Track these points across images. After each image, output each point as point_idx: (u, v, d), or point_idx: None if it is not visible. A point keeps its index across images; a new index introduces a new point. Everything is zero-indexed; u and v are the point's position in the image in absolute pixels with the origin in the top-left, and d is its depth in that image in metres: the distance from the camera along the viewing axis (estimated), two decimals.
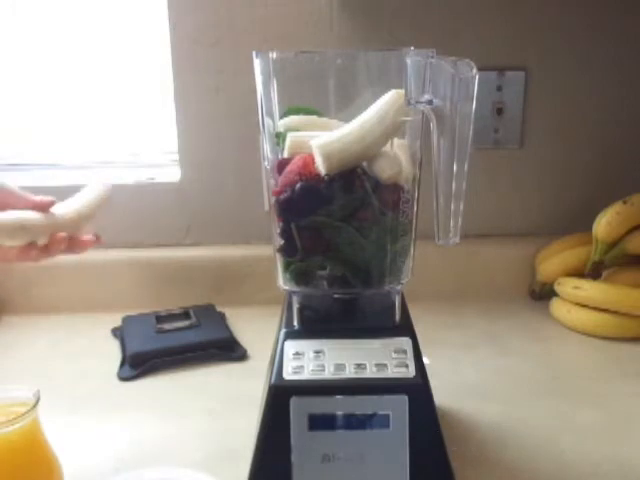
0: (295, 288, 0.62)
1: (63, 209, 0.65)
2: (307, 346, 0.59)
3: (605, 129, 1.03)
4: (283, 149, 0.60)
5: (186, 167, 1.03)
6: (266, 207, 0.63)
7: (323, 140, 0.56)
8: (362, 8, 0.96)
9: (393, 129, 0.57)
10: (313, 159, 0.57)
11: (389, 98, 0.57)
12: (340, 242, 0.58)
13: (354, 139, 0.56)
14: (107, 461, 0.66)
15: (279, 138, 0.61)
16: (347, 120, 0.58)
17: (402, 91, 0.56)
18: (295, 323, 0.61)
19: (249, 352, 0.88)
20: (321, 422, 0.56)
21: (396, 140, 0.59)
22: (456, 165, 0.53)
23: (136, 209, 1.04)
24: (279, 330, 0.62)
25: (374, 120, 0.56)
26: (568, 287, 0.95)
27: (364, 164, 0.58)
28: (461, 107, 0.52)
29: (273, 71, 0.60)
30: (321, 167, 0.57)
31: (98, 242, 0.67)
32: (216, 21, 0.97)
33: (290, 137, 0.60)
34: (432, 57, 0.54)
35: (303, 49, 0.59)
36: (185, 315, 0.95)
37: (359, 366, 0.57)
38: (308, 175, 0.57)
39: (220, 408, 0.75)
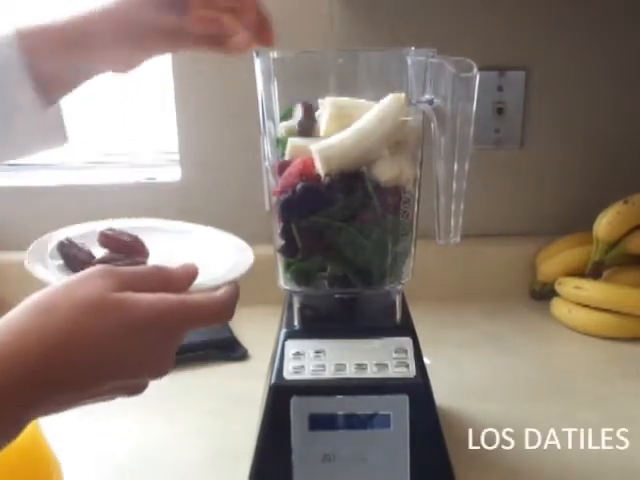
0: (296, 288, 0.62)
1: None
2: (308, 346, 0.59)
3: (605, 129, 1.03)
4: (283, 154, 0.60)
5: (186, 167, 1.03)
6: (267, 207, 0.63)
7: (322, 144, 0.57)
8: (363, 8, 0.96)
9: (392, 133, 0.57)
10: (313, 162, 0.57)
11: (388, 102, 0.56)
12: (341, 242, 0.58)
13: (353, 143, 0.56)
14: (107, 461, 0.66)
15: (279, 143, 0.61)
16: None
17: (401, 95, 0.56)
18: (296, 323, 0.61)
19: (249, 352, 0.88)
20: (322, 422, 0.56)
21: (396, 142, 0.58)
22: (456, 165, 0.53)
23: (136, 209, 1.04)
24: (280, 330, 0.62)
25: (373, 124, 0.56)
26: (569, 287, 0.95)
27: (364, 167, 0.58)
28: (462, 107, 0.52)
29: (274, 71, 0.60)
30: (321, 171, 0.57)
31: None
32: None
33: (291, 142, 0.60)
34: (433, 57, 0.54)
35: (304, 49, 0.59)
36: None
37: (360, 366, 0.57)
38: (309, 175, 0.57)
39: (220, 408, 0.75)
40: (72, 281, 0.40)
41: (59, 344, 0.36)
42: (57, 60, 0.53)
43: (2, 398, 0.35)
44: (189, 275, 0.46)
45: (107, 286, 0.39)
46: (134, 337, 0.39)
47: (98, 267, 0.41)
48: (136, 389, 0.42)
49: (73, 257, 0.51)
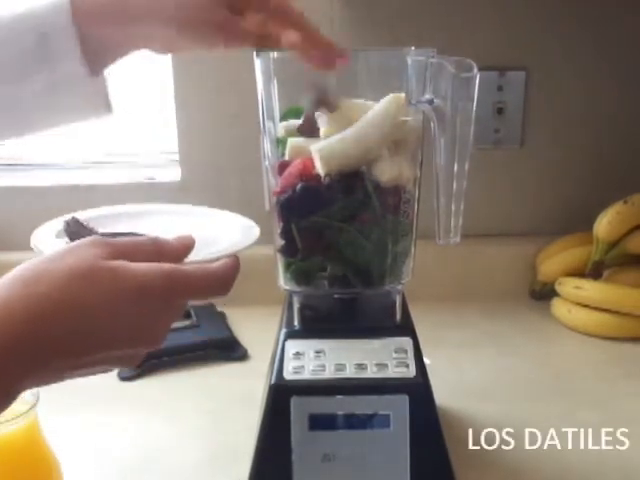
0: (296, 288, 0.62)
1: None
2: (308, 346, 0.59)
3: (605, 129, 1.03)
4: (283, 154, 0.60)
5: (186, 167, 1.03)
6: (267, 207, 0.63)
7: (322, 144, 0.56)
8: (363, 8, 0.96)
9: (392, 133, 0.57)
10: (313, 162, 0.57)
11: (388, 102, 0.56)
12: (341, 242, 0.58)
13: (353, 143, 0.56)
14: (107, 461, 0.66)
15: (279, 143, 0.61)
16: None
17: (401, 95, 0.56)
18: (296, 323, 0.61)
19: (249, 352, 0.88)
20: (322, 422, 0.56)
21: (395, 142, 0.58)
22: (457, 165, 0.53)
23: None
24: (280, 330, 0.62)
25: (373, 124, 0.56)
26: (569, 287, 0.95)
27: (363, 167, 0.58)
28: (462, 107, 0.52)
29: (274, 71, 0.60)
30: (321, 171, 0.57)
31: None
32: None
33: (290, 142, 0.60)
34: (433, 57, 0.54)
35: None
36: (185, 315, 0.94)
37: (360, 366, 0.57)
38: (309, 175, 0.57)
39: (220, 408, 0.75)
40: (62, 250, 0.39)
41: (47, 313, 0.35)
42: (103, 30, 0.52)
43: None
44: (185, 246, 0.45)
45: (98, 254, 0.38)
46: (125, 305, 0.38)
47: (90, 237, 0.40)
48: (130, 360, 0.41)
49: (78, 235, 0.51)
